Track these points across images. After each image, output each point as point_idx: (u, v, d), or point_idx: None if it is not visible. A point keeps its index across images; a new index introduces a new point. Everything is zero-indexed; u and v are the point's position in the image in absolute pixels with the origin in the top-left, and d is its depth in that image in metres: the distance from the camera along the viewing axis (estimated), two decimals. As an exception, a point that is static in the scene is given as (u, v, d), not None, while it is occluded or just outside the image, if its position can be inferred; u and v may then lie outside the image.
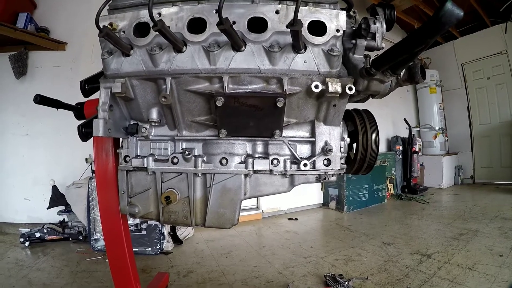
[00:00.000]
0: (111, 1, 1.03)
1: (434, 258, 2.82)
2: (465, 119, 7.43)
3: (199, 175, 1.14)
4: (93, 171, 3.57)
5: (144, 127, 1.14)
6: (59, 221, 3.60)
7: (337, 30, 0.96)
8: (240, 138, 1.13)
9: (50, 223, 3.54)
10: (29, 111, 3.84)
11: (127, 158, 1.18)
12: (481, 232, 3.51)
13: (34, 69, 3.97)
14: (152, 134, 1.17)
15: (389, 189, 5.95)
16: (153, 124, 1.14)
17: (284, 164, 1.13)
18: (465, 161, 7.44)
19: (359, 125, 1.28)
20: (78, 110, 1.45)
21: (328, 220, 4.56)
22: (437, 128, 7.32)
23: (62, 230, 3.47)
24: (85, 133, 1.14)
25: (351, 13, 1.16)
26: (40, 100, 1.32)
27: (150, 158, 1.14)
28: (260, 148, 1.16)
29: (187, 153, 1.09)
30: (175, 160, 1.12)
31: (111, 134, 1.05)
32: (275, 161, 1.12)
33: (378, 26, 1.07)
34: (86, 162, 3.77)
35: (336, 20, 0.96)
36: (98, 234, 3.15)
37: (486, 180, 7.09)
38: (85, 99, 1.42)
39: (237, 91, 0.97)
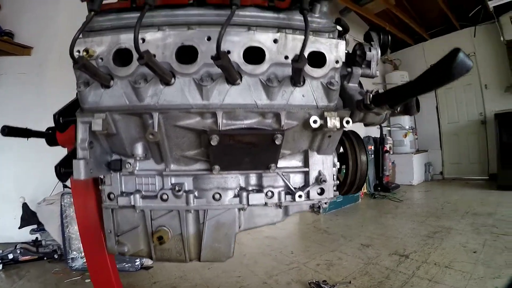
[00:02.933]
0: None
1: (412, 258, 2.90)
2: (434, 118, 7.73)
3: (192, 211, 1.07)
4: (64, 186, 3.38)
5: (128, 162, 1.04)
6: (32, 240, 3.41)
7: (337, 61, 0.92)
8: (233, 171, 1.07)
9: (22, 243, 3.36)
10: (-4, 120, 3.59)
11: (112, 195, 1.08)
12: (454, 229, 3.65)
13: (-2, 76, 3.74)
14: (137, 168, 1.07)
15: (363, 188, 6.06)
16: (138, 159, 1.05)
17: (279, 196, 1.08)
18: (434, 158, 7.76)
19: (349, 149, 1.26)
20: (50, 135, 1.33)
21: (305, 223, 4.55)
22: (407, 127, 7.57)
23: (36, 249, 3.31)
24: (64, 173, 1.03)
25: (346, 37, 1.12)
26: (8, 131, 1.19)
27: (137, 195, 1.05)
28: (253, 180, 1.10)
29: (177, 189, 1.02)
30: (165, 197, 1.04)
31: (93, 174, 0.95)
32: (269, 193, 1.07)
33: (374, 53, 1.04)
34: (57, 176, 3.56)
35: (335, 51, 0.92)
36: (75, 253, 3.00)
37: (455, 175, 7.43)
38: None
39: (232, 127, 0.91)
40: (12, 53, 3.69)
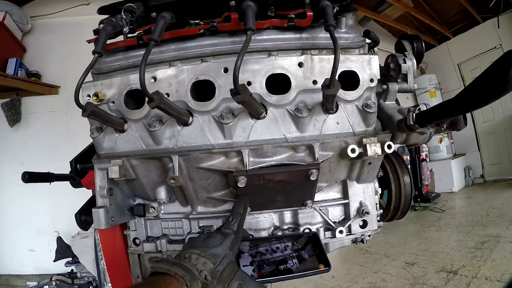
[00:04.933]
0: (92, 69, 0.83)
1: (461, 273, 2.69)
2: (468, 119, 7.26)
3: (222, 256, 0.97)
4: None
5: (152, 207, 0.97)
6: (67, 272, 3.45)
7: (371, 80, 0.80)
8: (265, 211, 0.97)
9: (58, 274, 3.39)
10: (27, 159, 3.73)
11: (137, 241, 1.01)
12: (503, 237, 3.38)
13: (28, 116, 3.86)
14: (162, 212, 0.99)
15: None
16: (162, 202, 0.97)
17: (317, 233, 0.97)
18: (473, 161, 7.30)
19: (390, 172, 1.14)
20: (73, 178, 1.29)
21: (344, 243, 4.37)
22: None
23: (72, 281, 3.32)
24: (85, 221, 0.98)
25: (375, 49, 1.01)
26: (29, 178, 1.15)
27: (164, 240, 0.97)
28: (288, 218, 0.99)
29: (205, 232, 0.93)
30: (193, 241, 0.95)
31: (115, 222, 0.88)
32: (306, 231, 0.96)
33: (409, 65, 0.93)
34: (91, 209, 3.61)
35: (369, 68, 0.81)
36: (110, 285, 2.96)
37: (497, 177, 6.92)
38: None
39: (261, 165, 0.81)
40: (40, 93, 3.82)
